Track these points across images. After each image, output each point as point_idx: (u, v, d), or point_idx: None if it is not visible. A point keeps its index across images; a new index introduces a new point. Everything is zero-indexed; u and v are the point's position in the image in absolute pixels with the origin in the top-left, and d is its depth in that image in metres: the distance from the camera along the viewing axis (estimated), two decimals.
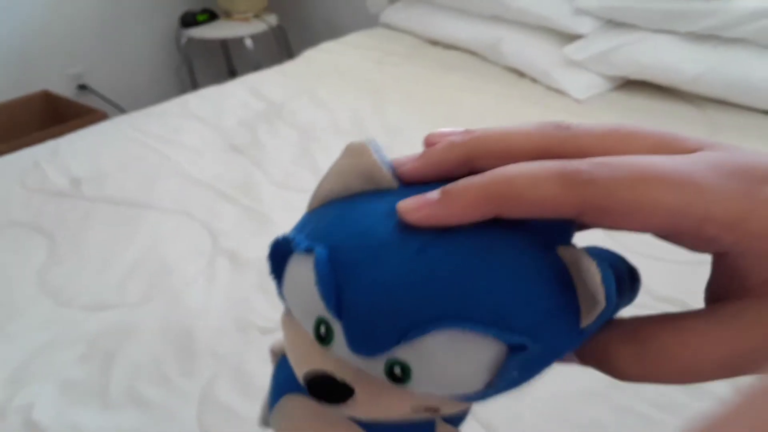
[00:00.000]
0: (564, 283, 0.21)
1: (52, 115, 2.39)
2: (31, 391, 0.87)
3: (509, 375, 0.21)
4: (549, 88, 1.59)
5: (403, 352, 0.21)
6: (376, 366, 0.22)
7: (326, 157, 1.40)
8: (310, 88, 1.71)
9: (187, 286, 1.04)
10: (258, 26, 2.65)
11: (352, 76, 1.78)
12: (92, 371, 0.89)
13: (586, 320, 0.21)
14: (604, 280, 0.20)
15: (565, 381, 0.76)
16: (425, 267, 0.21)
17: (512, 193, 0.21)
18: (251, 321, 0.96)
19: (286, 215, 1.20)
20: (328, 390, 0.23)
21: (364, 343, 0.21)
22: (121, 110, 2.58)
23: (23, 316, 1.01)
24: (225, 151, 1.46)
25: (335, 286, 0.21)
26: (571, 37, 1.63)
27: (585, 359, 0.24)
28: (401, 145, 1.42)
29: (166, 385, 0.86)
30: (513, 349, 0.20)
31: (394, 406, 0.23)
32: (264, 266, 1.06)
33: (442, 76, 1.73)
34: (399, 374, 0.21)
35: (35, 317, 1.00)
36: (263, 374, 0.87)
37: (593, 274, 0.20)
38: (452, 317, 0.20)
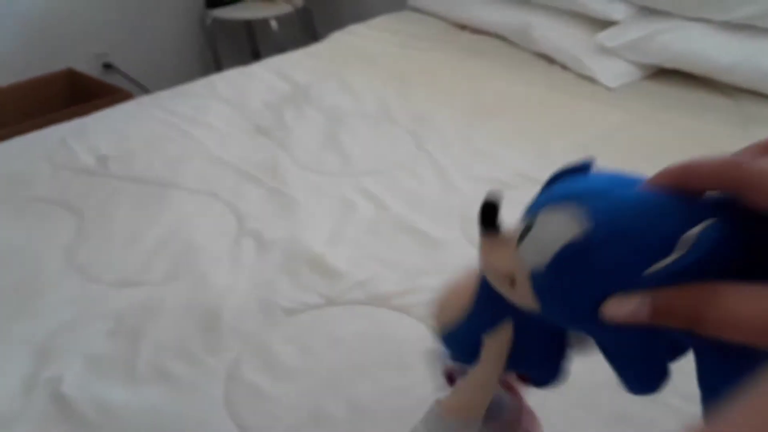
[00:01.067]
0: (669, 240, 0.25)
1: (76, 94, 2.40)
2: (59, 365, 0.87)
3: (565, 263, 0.27)
4: (579, 75, 1.56)
5: (533, 219, 0.29)
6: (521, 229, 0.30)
7: (352, 140, 1.39)
8: (337, 71, 1.70)
9: (212, 266, 1.04)
10: (283, 7, 2.64)
11: (379, 59, 1.76)
12: (119, 346, 0.90)
13: (654, 268, 0.25)
14: (686, 255, 0.25)
15: (592, 371, 0.75)
16: (588, 184, 0.29)
17: (690, 167, 0.27)
18: (275, 302, 0.96)
19: (312, 198, 1.20)
20: (493, 213, 0.31)
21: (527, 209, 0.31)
22: (146, 90, 2.59)
23: (51, 291, 1.01)
24: (250, 133, 1.45)
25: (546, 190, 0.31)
26: (603, 24, 1.60)
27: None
28: (426, 130, 1.41)
29: (193, 362, 0.86)
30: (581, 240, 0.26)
31: (508, 256, 0.30)
32: (288, 247, 1.07)
33: (469, 61, 1.71)
34: (524, 227, 0.29)
35: (63, 293, 1.01)
36: (287, 354, 0.87)
37: (686, 242, 0.25)
38: (566, 199, 0.28)
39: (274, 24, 2.60)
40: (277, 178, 1.27)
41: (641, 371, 0.29)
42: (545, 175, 1.21)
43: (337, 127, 1.45)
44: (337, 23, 2.12)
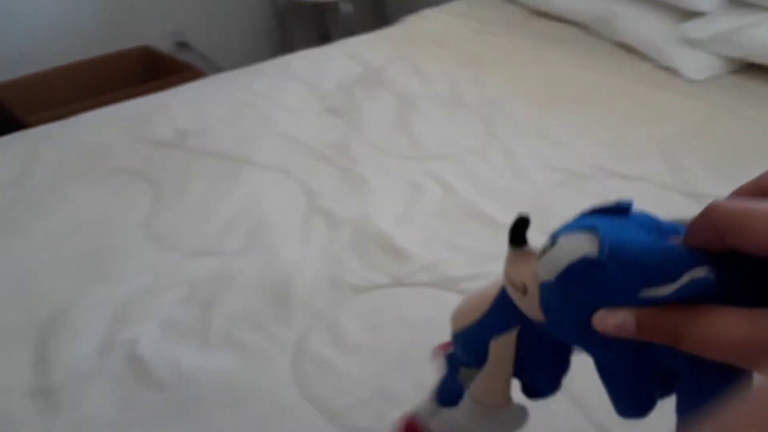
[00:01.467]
0: (672, 274, 0.27)
1: (151, 70, 2.46)
2: (135, 328, 0.91)
3: (573, 276, 0.29)
4: (659, 66, 1.51)
5: (556, 240, 0.31)
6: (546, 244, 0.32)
7: (423, 124, 1.39)
8: (409, 54, 1.70)
9: (283, 241, 1.06)
10: None
11: (452, 44, 1.75)
12: (193, 313, 0.92)
13: (649, 292, 0.27)
14: (680, 290, 0.26)
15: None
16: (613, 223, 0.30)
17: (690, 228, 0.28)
18: (344, 279, 0.97)
19: (382, 179, 1.20)
20: (522, 230, 0.33)
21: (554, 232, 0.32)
22: (219, 69, 2.64)
23: (129, 258, 1.05)
24: (323, 113, 1.47)
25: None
26: (689, 14, 1.54)
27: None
28: (498, 117, 1.39)
29: (263, 332, 0.88)
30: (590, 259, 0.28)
31: (527, 268, 0.32)
32: (357, 227, 1.07)
33: (545, 48, 1.68)
34: (546, 246, 0.31)
35: (140, 260, 1.05)
36: (355, 330, 0.88)
37: (686, 278, 0.26)
38: (587, 228, 0.29)
39: (345, 7, 2.60)
40: (348, 159, 1.28)
41: (631, 394, 0.31)
42: (621, 167, 1.19)
43: (409, 110, 1.44)
44: (410, 7, 2.11)
